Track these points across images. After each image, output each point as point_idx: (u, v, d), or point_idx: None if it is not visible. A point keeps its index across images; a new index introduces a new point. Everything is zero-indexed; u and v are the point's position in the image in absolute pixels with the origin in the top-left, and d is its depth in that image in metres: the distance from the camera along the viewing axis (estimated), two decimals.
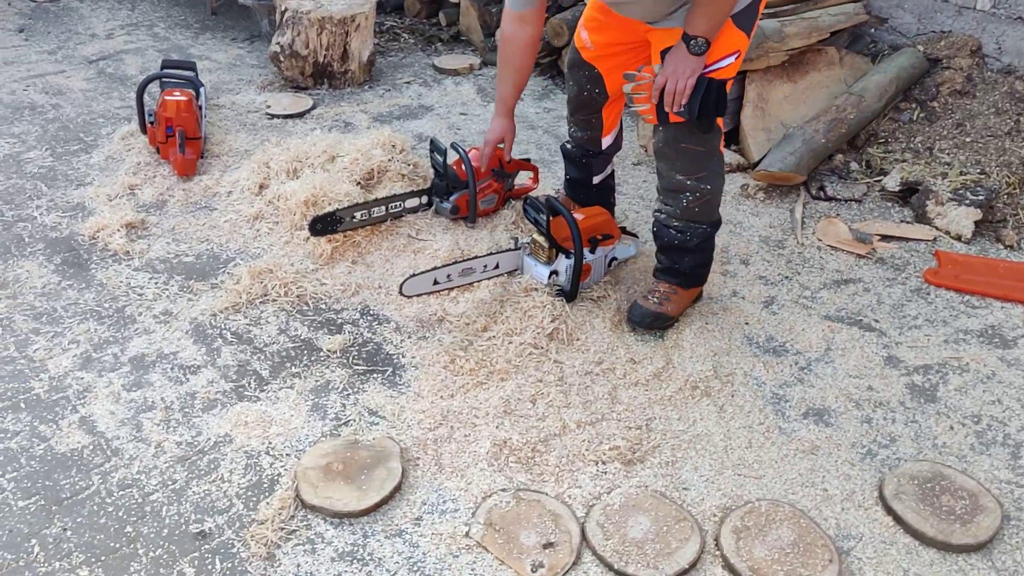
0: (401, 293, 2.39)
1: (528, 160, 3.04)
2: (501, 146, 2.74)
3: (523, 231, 2.80)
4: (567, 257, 2.46)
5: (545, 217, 2.45)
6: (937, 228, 3.08)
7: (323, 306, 2.54)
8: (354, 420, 2.13)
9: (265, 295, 2.55)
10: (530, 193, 3.04)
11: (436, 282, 2.44)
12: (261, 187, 3.03)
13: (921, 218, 3.14)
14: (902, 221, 3.14)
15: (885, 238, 3.01)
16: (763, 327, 2.53)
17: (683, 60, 2.07)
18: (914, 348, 2.47)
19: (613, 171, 2.89)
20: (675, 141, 2.23)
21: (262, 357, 2.33)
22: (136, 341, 2.36)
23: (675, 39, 2.09)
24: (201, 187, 3.09)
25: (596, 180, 2.82)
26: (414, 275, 2.40)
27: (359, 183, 2.94)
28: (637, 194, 3.26)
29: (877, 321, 2.57)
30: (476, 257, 2.50)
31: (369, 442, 2.03)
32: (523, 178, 3.05)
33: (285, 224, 2.84)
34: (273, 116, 3.68)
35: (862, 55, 3.95)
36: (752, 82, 3.49)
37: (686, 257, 2.41)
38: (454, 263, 2.46)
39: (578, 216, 2.52)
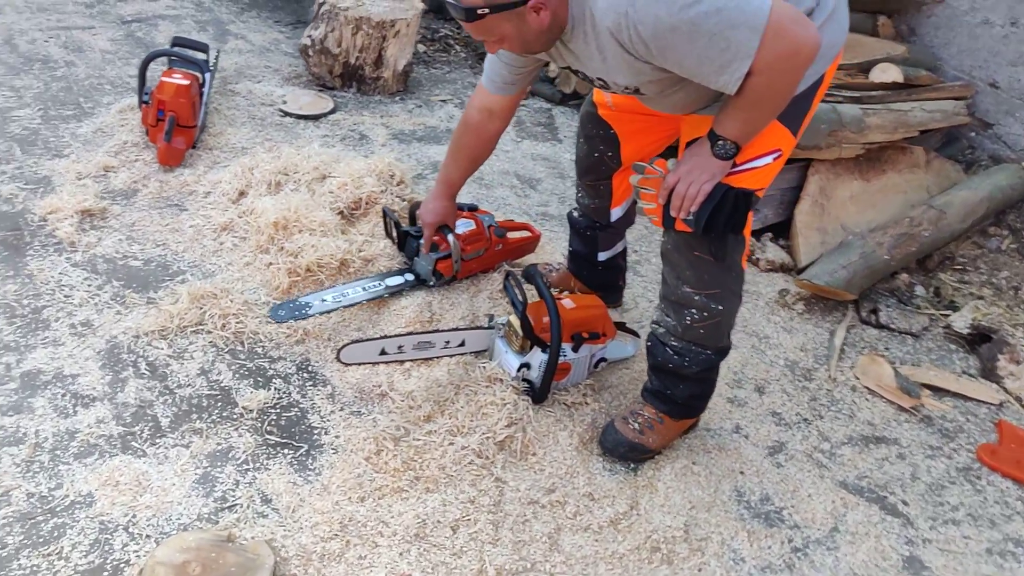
0: (338, 359, 2.04)
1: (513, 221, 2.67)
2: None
3: (506, 307, 2.43)
4: (543, 351, 2.08)
5: (523, 299, 2.08)
6: (1007, 391, 2.57)
7: (259, 350, 2.21)
8: (241, 506, 1.79)
9: (200, 324, 2.24)
10: (530, 251, 2.67)
11: (384, 352, 2.08)
12: (241, 195, 2.73)
13: (988, 374, 2.64)
14: (964, 373, 2.65)
15: (938, 391, 2.53)
16: (761, 482, 2.09)
17: (702, 161, 1.67)
18: (946, 552, 1.99)
19: (625, 249, 2.50)
20: (686, 247, 1.83)
21: (169, 401, 2.01)
22: (38, 353, 2.07)
23: (706, 128, 1.69)
24: (180, 181, 2.80)
25: (602, 257, 2.44)
26: (358, 341, 2.05)
27: (341, 212, 2.61)
28: (659, 277, 2.84)
29: (906, 504, 2.11)
30: (438, 331, 2.14)
31: (244, 543, 1.69)
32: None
33: (251, 243, 2.53)
34: (286, 114, 3.39)
35: (954, 161, 3.46)
36: (817, 173, 3.04)
37: (681, 384, 2.00)
38: (409, 334, 2.11)
39: (566, 304, 2.14)
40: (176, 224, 2.62)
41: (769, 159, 1.70)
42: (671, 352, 1.96)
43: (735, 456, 2.15)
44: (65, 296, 2.27)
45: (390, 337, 2.07)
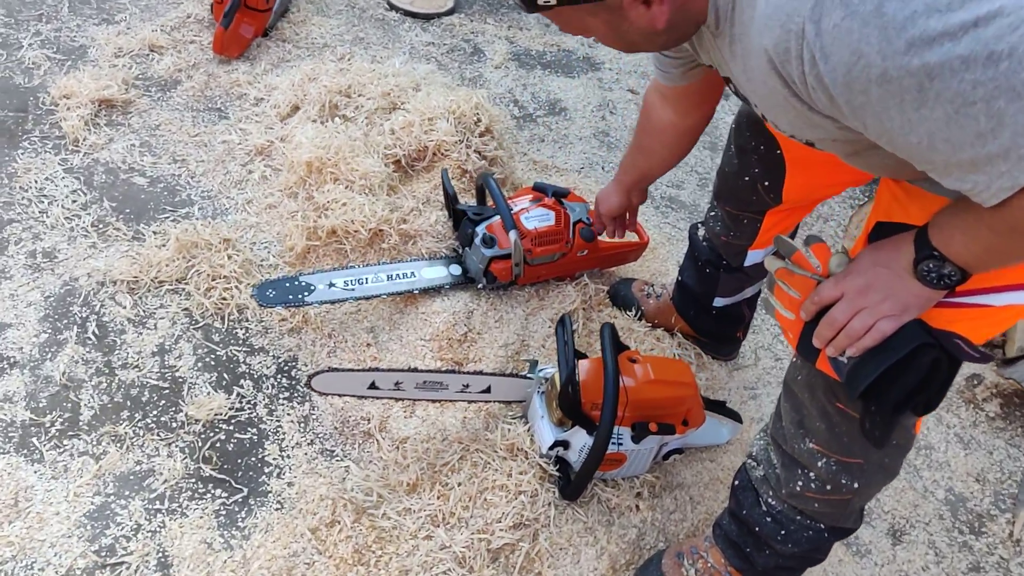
0: (309, 387, 1.51)
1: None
2: None
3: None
4: (588, 432, 1.46)
5: (572, 355, 1.45)
6: None
7: (240, 332, 1.73)
8: (129, 566, 1.35)
9: (181, 281, 1.78)
10: (631, 260, 2.00)
11: (374, 387, 1.53)
12: (294, 110, 2.19)
13: None
14: None
15: None
16: None
17: (891, 279, 0.93)
18: None
19: (756, 296, 1.77)
20: (826, 393, 1.10)
21: (103, 385, 1.58)
22: None
23: (921, 215, 0.93)
24: (231, 79, 2.30)
25: (719, 303, 1.74)
26: (337, 370, 1.50)
27: (399, 161, 2.02)
28: None
29: None
30: (452, 372, 1.56)
31: None
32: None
33: (281, 180, 2.01)
34: (393, 8, 2.78)
35: None
36: None
37: (767, 551, 1.33)
38: (412, 370, 1.54)
39: (639, 372, 1.50)
40: (207, 136, 2.14)
41: (1018, 297, 0.93)
42: (763, 511, 1.28)
43: None
44: (40, 211, 1.86)
45: (384, 371, 1.51)
